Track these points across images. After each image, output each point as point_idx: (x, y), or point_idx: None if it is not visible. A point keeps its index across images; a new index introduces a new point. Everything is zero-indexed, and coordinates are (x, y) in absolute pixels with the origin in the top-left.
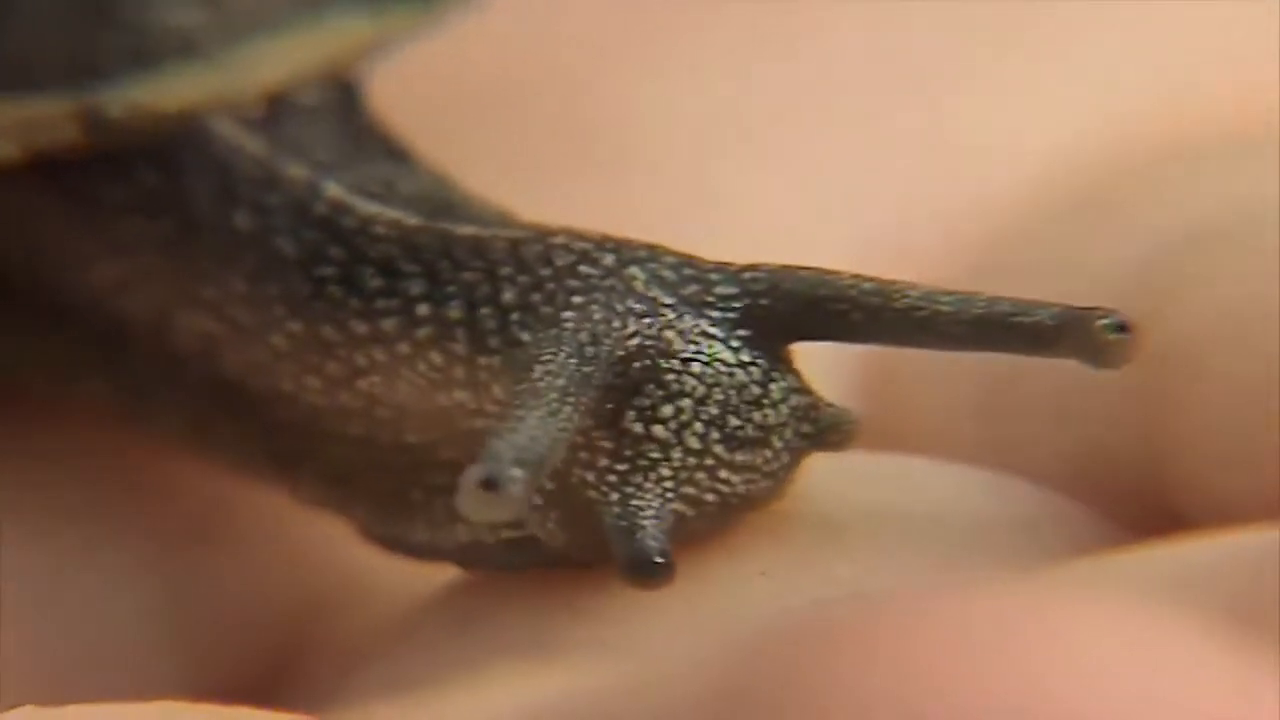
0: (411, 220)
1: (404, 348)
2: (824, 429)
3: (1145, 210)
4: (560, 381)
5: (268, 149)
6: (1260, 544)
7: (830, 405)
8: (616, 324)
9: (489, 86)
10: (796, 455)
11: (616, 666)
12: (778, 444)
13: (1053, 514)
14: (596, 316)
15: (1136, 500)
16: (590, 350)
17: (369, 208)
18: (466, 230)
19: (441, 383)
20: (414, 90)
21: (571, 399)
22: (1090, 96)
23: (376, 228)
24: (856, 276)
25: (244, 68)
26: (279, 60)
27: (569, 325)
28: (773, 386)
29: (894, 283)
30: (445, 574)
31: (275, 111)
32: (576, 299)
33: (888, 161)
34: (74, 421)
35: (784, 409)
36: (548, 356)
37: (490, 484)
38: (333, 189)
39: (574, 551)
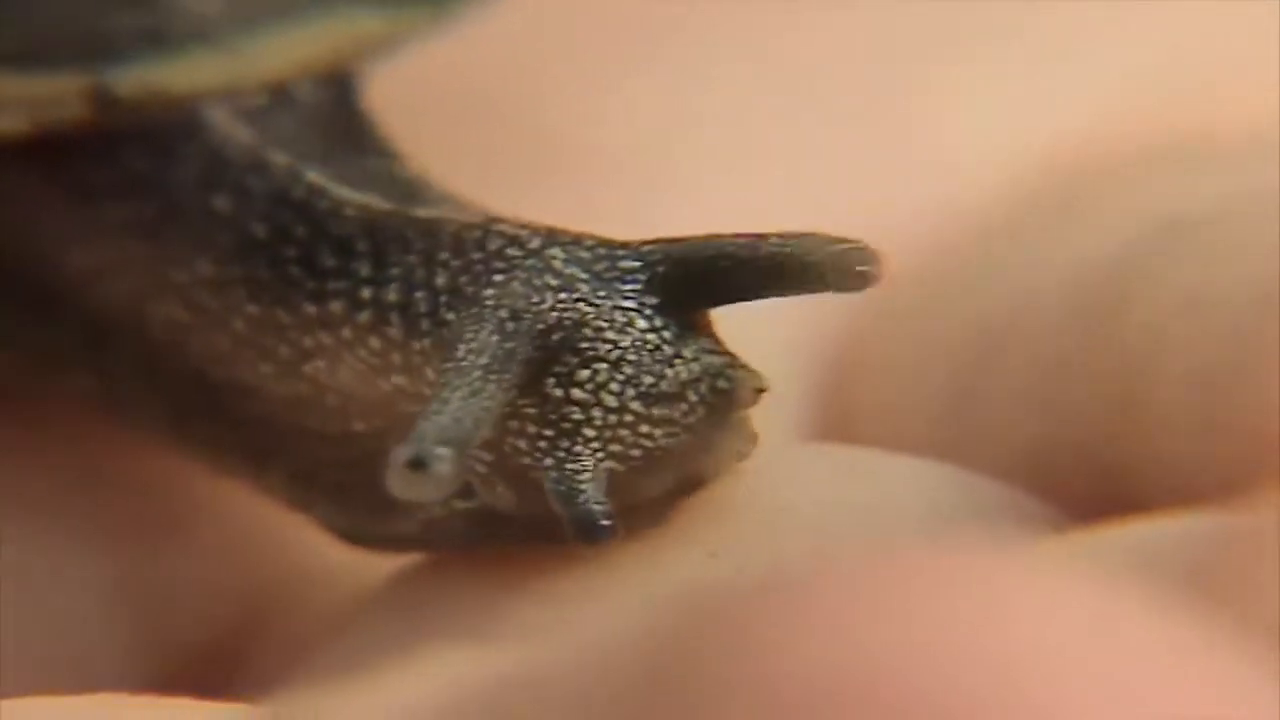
0: (382, 205)
1: (346, 332)
2: (738, 385)
3: (1116, 209)
4: (483, 359)
5: (256, 137)
6: (1219, 520)
7: (744, 365)
8: (535, 299)
9: (457, 88)
10: (713, 411)
11: (559, 648)
12: (693, 397)
13: (1009, 505)
14: (518, 292)
15: (1097, 495)
16: (511, 326)
17: (343, 192)
18: (424, 213)
19: (381, 368)
20: (382, 92)
21: (495, 375)
22: (1065, 97)
23: (346, 209)
24: (736, 235)
25: (255, 55)
26: (290, 50)
27: (489, 303)
28: (684, 348)
29: (761, 236)
30: (398, 560)
31: (269, 103)
32: (498, 278)
33: (857, 161)
34: (30, 412)
35: (696, 366)
36: (469, 334)
37: (417, 464)
38: (314, 175)
39: (531, 516)
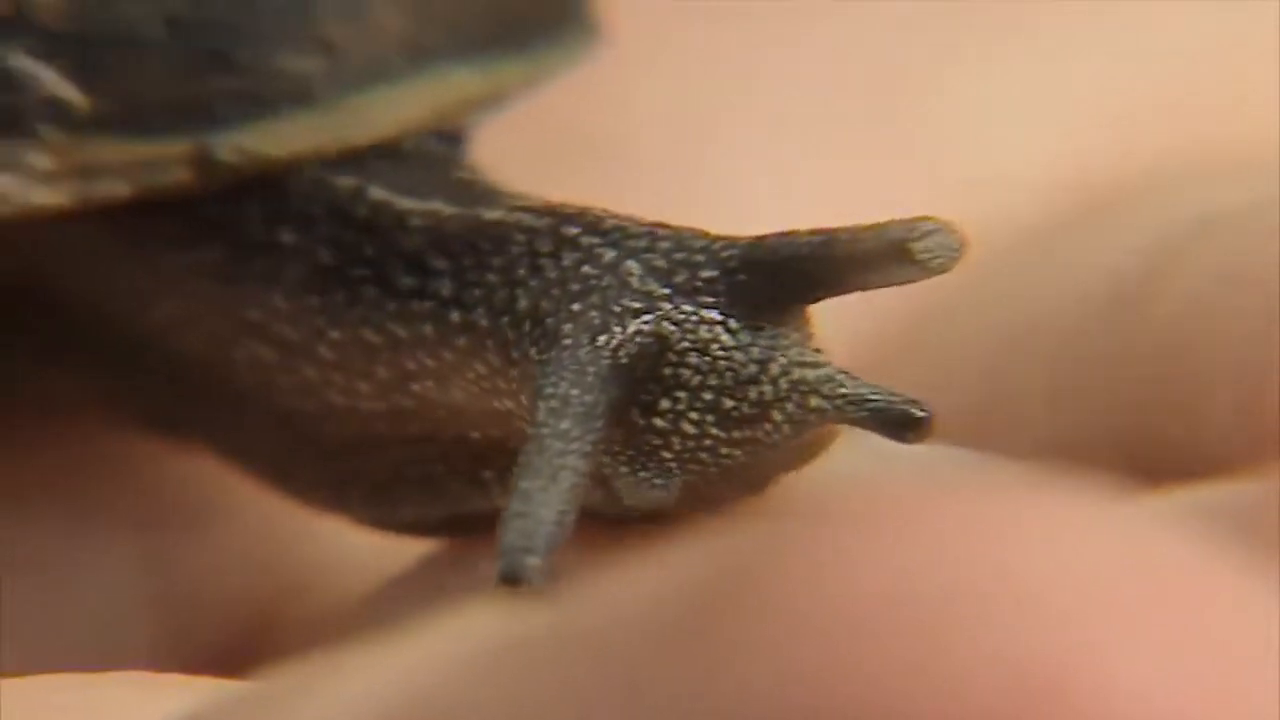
0: (447, 209)
1: (449, 356)
2: (835, 400)
3: (1146, 213)
4: (563, 424)
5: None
6: (1263, 484)
7: (850, 379)
8: (616, 327)
9: None
10: (801, 426)
11: (591, 606)
12: (778, 417)
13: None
14: (595, 325)
15: (1131, 477)
16: (591, 370)
17: (407, 203)
18: (493, 215)
19: (491, 390)
20: None
21: (576, 443)
22: (1091, 110)
23: (412, 219)
24: (812, 232)
25: (355, 117)
26: (389, 110)
27: (567, 341)
28: (771, 365)
29: (835, 231)
30: (416, 548)
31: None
32: (576, 306)
33: (886, 172)
34: (53, 407)
35: (783, 383)
36: (549, 389)
37: (511, 580)
38: (377, 192)
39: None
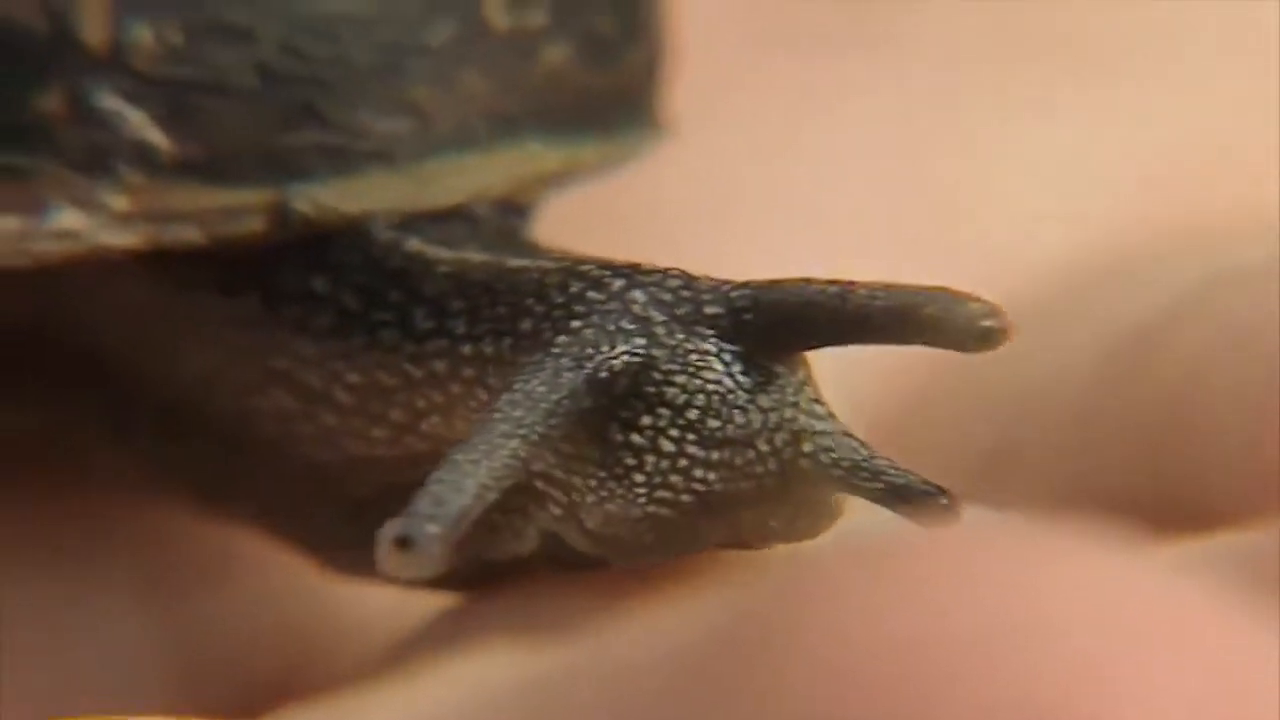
0: (475, 258)
1: (455, 388)
2: (837, 458)
3: (1158, 274)
4: (516, 412)
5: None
6: (1270, 535)
7: (851, 440)
8: (605, 345)
9: None
10: (789, 469)
11: (603, 647)
12: (763, 448)
13: None
14: (587, 339)
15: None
16: (566, 377)
17: (439, 252)
18: (516, 262)
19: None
20: None
21: (523, 431)
22: (1107, 175)
23: (440, 268)
24: (828, 283)
25: (433, 181)
26: (467, 177)
27: (555, 350)
28: (762, 396)
29: (850, 284)
30: (435, 601)
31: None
32: (575, 324)
33: (906, 225)
34: (65, 463)
35: (774, 416)
36: (517, 384)
37: (404, 542)
38: (413, 243)
39: (596, 553)
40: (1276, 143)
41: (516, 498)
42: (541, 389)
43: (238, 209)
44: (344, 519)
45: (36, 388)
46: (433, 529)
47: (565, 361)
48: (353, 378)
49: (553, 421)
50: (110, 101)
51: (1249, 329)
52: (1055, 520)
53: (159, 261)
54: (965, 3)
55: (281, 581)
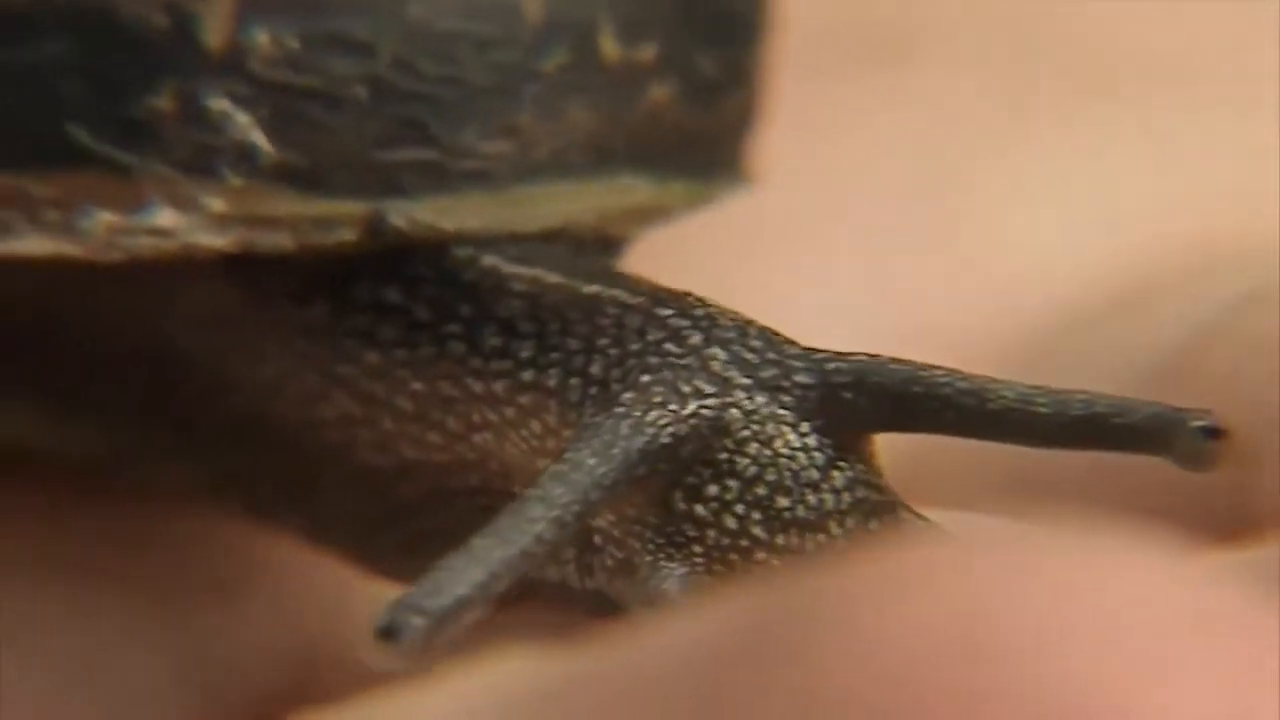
0: (550, 278)
1: (510, 412)
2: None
3: (1183, 301)
4: (556, 490)
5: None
6: None
7: (910, 511)
8: (674, 405)
9: None
10: None
11: (629, 649)
12: (835, 531)
13: None
14: (654, 399)
15: None
16: (620, 447)
17: (516, 270)
18: (591, 288)
19: (540, 450)
20: None
21: (555, 514)
22: (1121, 207)
23: (514, 284)
24: (951, 373)
25: (528, 206)
26: (561, 205)
27: (619, 409)
28: (835, 474)
29: (991, 382)
30: None
31: None
32: (645, 378)
33: (912, 260)
34: (67, 474)
35: (846, 497)
36: (570, 451)
37: (387, 632)
38: (489, 259)
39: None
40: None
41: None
42: (591, 461)
43: (332, 219)
44: (390, 521)
45: (102, 398)
46: (418, 622)
47: (625, 426)
48: (416, 385)
49: (595, 497)
50: (220, 103)
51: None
52: (1099, 529)
53: (235, 268)
54: (982, 25)
55: (297, 592)
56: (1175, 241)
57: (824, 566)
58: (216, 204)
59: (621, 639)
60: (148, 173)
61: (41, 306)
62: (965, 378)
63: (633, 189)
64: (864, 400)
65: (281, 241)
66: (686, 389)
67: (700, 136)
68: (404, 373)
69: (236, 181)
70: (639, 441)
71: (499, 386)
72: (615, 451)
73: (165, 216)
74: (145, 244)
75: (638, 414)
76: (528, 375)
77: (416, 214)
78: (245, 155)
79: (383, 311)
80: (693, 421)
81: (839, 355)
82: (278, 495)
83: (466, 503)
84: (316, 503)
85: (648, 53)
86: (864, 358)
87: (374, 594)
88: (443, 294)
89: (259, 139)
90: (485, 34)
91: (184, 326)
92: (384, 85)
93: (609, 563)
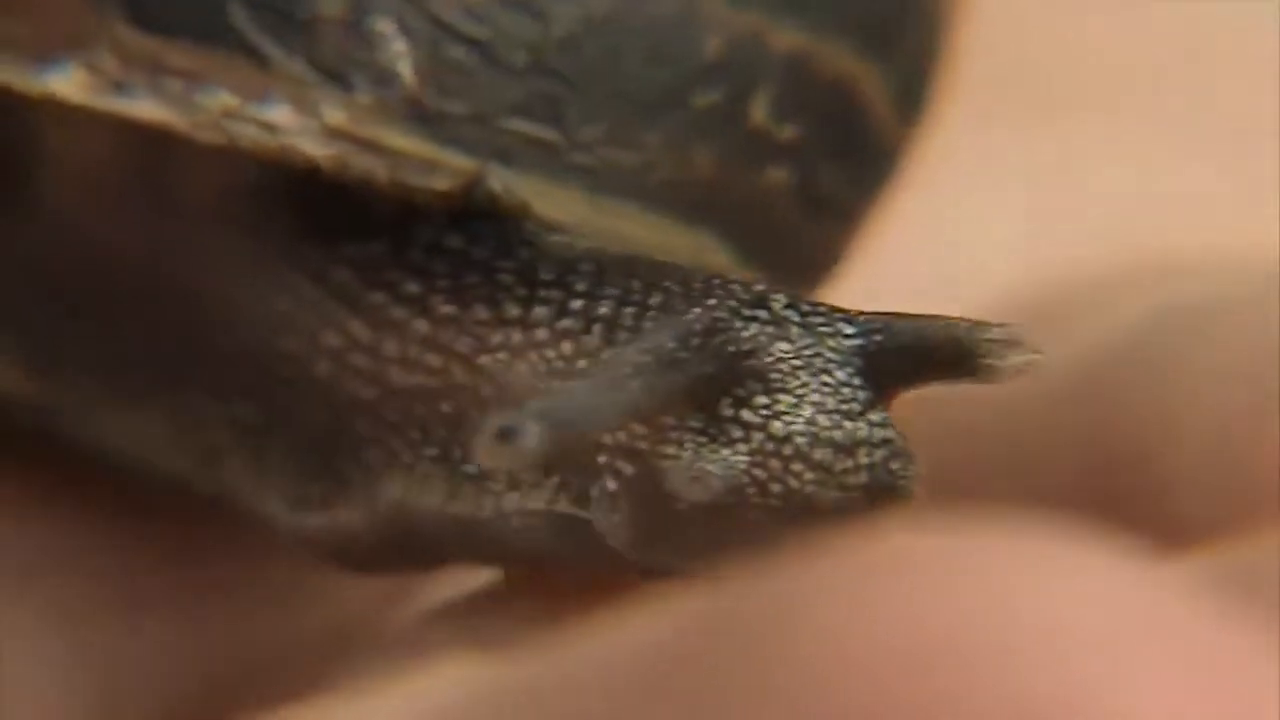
0: (614, 248)
1: (542, 333)
2: (909, 476)
3: (1116, 310)
4: (643, 359)
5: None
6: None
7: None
8: (739, 324)
9: None
10: (874, 490)
11: (574, 656)
12: (863, 459)
13: None
14: (722, 317)
15: None
16: (697, 340)
17: (578, 240)
18: (654, 258)
19: (561, 371)
20: None
21: (646, 377)
22: (1051, 220)
23: (579, 243)
24: (952, 319)
25: (615, 219)
26: (643, 232)
27: (690, 318)
28: (872, 414)
29: (977, 323)
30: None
31: None
32: (711, 301)
33: (854, 272)
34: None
35: (878, 433)
36: (648, 337)
37: (505, 434)
38: (556, 237)
39: (632, 551)
40: (1234, 179)
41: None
42: (671, 345)
43: (436, 165)
44: (336, 433)
45: (97, 332)
46: (534, 427)
47: (697, 326)
48: (446, 309)
49: (673, 379)
50: (387, 26)
51: (1213, 355)
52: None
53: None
54: None
55: (214, 608)
56: (1113, 251)
57: (772, 569)
58: (335, 116)
59: (573, 637)
60: (285, 69)
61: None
62: (962, 321)
63: (710, 252)
64: (891, 346)
65: (377, 171)
66: (748, 314)
67: (789, 242)
68: (437, 298)
69: (365, 100)
70: (713, 341)
71: (542, 312)
72: (695, 342)
73: (281, 113)
74: (249, 134)
75: (707, 322)
76: (576, 304)
77: (515, 187)
78: (385, 79)
79: (440, 250)
80: (753, 343)
81: (874, 313)
82: (244, 430)
83: (418, 432)
84: (280, 426)
85: (788, 134)
86: (886, 312)
87: (300, 620)
88: (504, 236)
89: (405, 69)
90: (658, 49)
91: (209, 260)
92: (544, 57)
93: (611, 485)
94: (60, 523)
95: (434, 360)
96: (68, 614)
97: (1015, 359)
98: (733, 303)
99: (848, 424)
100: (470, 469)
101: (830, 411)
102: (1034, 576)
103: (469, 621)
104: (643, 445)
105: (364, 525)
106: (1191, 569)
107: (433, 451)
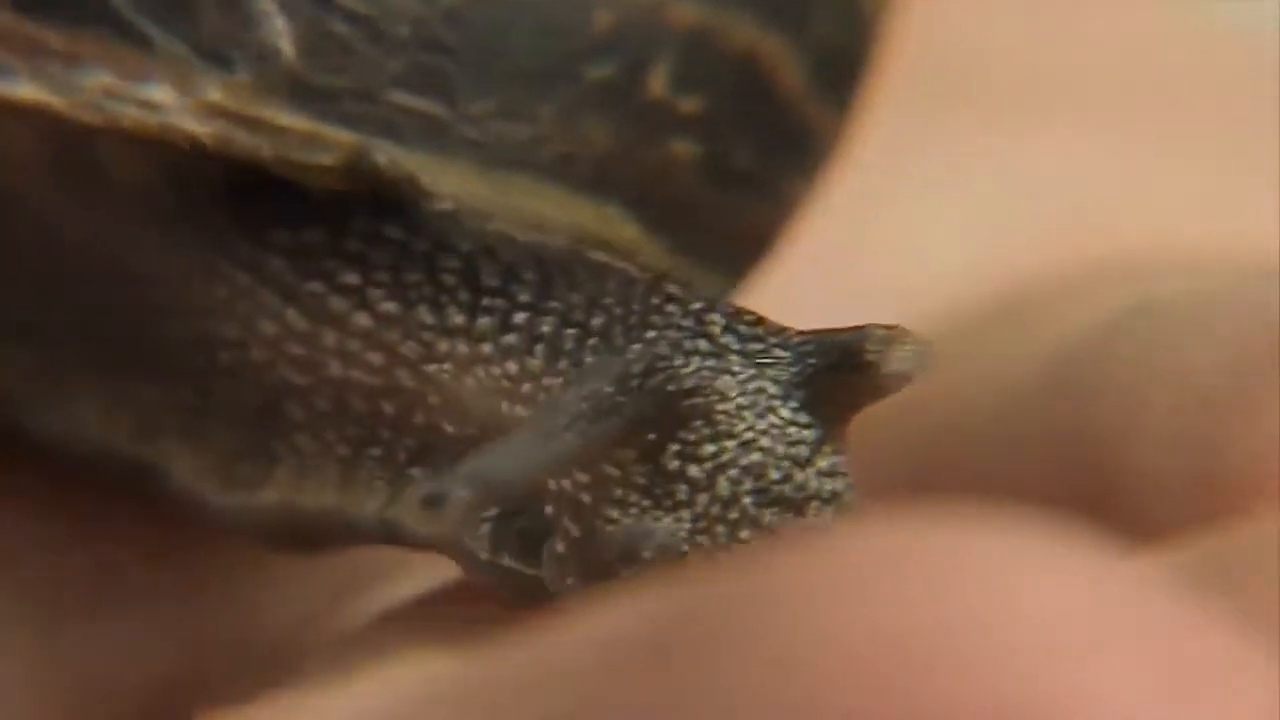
0: (557, 241)
1: (487, 348)
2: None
3: (1074, 309)
4: (580, 405)
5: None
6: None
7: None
8: (679, 361)
9: None
10: None
11: (541, 650)
12: (812, 513)
13: None
14: (661, 351)
15: None
16: (635, 382)
17: (523, 233)
18: (598, 256)
19: (507, 391)
20: None
21: (582, 425)
22: (1003, 228)
23: (520, 237)
24: (878, 327)
25: (509, 192)
26: (542, 205)
27: (630, 355)
28: (820, 458)
29: (893, 330)
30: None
31: None
32: (650, 334)
33: (818, 276)
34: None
35: (828, 484)
36: (585, 380)
37: (431, 501)
38: (497, 225)
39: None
40: (1186, 179)
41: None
42: (609, 389)
43: (317, 141)
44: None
45: (45, 315)
46: (462, 493)
47: (636, 367)
48: (387, 306)
49: (613, 425)
50: (266, 2)
51: (1179, 350)
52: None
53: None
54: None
55: (171, 606)
56: (1070, 254)
57: (736, 564)
58: (215, 94)
59: (544, 629)
60: (165, 49)
61: None
62: (882, 328)
63: (618, 224)
64: (823, 364)
65: (260, 148)
66: (688, 346)
67: (704, 216)
68: (378, 292)
69: (244, 78)
70: (651, 381)
71: (486, 323)
72: (630, 382)
73: (160, 92)
74: (129, 113)
75: (647, 359)
76: (520, 318)
77: (401, 160)
78: (265, 56)
79: (379, 241)
80: (695, 379)
81: (804, 331)
82: (181, 410)
83: (357, 429)
84: (216, 408)
85: (690, 106)
86: (821, 330)
87: (254, 619)
88: (444, 230)
89: (285, 45)
90: (546, 22)
91: (140, 245)
92: (429, 31)
93: (562, 538)
94: (26, 518)
95: (376, 358)
96: (36, 610)
97: (901, 358)
98: (672, 333)
99: (797, 474)
100: (417, 475)
101: (780, 459)
102: (1023, 573)
103: (430, 617)
104: (586, 499)
105: (288, 512)
106: (1167, 563)
107: (376, 451)
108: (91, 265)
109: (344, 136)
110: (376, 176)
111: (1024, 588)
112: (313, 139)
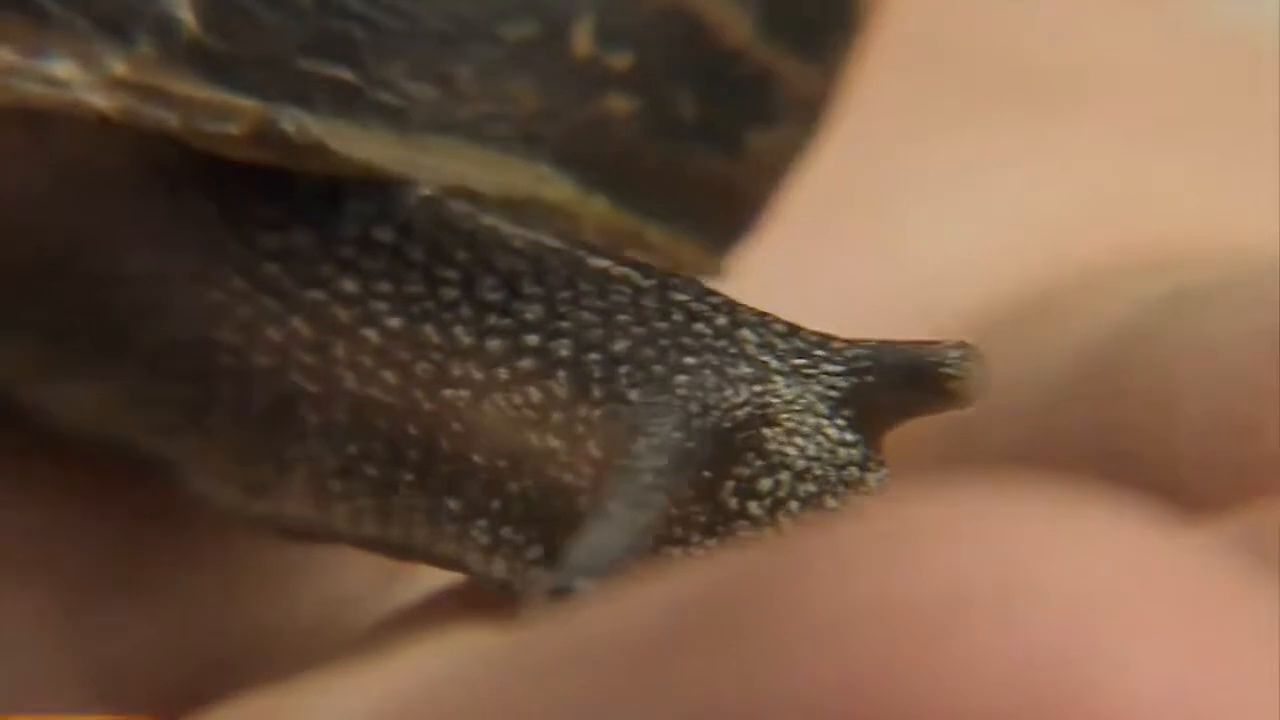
0: (552, 243)
1: (503, 373)
2: None
3: (1103, 301)
4: (659, 461)
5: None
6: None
7: None
8: (729, 392)
9: None
10: None
11: (569, 627)
12: None
13: None
14: (709, 384)
15: None
16: (697, 423)
17: (514, 229)
18: (599, 262)
19: (534, 422)
20: None
21: (667, 481)
22: (1032, 218)
23: (514, 241)
24: (951, 344)
25: (429, 153)
26: (464, 166)
27: (681, 391)
28: (869, 475)
29: (966, 347)
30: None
31: None
32: (689, 360)
33: (840, 274)
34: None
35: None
36: (653, 429)
37: (560, 593)
38: (489, 218)
39: None
40: (1185, 179)
41: None
42: (678, 436)
43: (225, 110)
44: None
45: (35, 312)
46: (583, 584)
47: (693, 407)
48: (392, 321)
49: (685, 474)
50: None
51: (1212, 334)
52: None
53: (226, 194)
54: (901, 35)
55: (196, 588)
56: (1089, 248)
57: (780, 540)
58: (118, 67)
59: (595, 602)
60: (63, 23)
61: None
62: (960, 344)
63: (549, 181)
64: (885, 381)
65: (168, 120)
66: (732, 373)
67: (650, 169)
68: (381, 305)
69: (146, 50)
70: (710, 420)
71: (495, 345)
72: (696, 425)
73: (62, 67)
74: (34, 90)
75: (699, 395)
76: (531, 339)
77: (310, 126)
78: (165, 27)
79: (371, 246)
80: (746, 409)
81: (853, 341)
82: (187, 418)
83: (384, 449)
84: (214, 428)
85: (620, 62)
86: (876, 341)
87: (279, 601)
88: (439, 237)
89: (185, 15)
90: None
91: (133, 246)
92: None
93: None
94: (57, 504)
95: (391, 377)
96: (67, 593)
97: (979, 376)
98: (711, 357)
99: (851, 499)
100: (454, 506)
101: (834, 485)
102: (1064, 538)
103: (468, 603)
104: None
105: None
106: (1205, 536)
107: (409, 476)
108: (80, 264)
109: (250, 105)
110: (285, 144)
111: (1076, 551)
112: (219, 108)
